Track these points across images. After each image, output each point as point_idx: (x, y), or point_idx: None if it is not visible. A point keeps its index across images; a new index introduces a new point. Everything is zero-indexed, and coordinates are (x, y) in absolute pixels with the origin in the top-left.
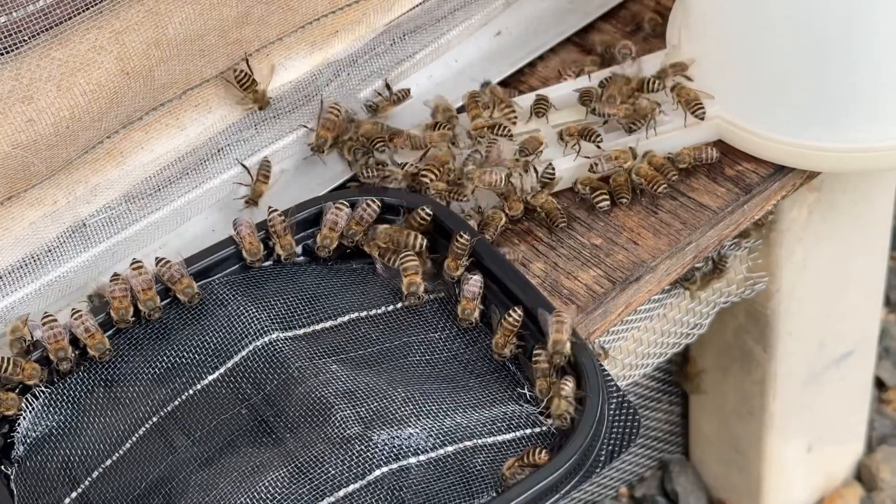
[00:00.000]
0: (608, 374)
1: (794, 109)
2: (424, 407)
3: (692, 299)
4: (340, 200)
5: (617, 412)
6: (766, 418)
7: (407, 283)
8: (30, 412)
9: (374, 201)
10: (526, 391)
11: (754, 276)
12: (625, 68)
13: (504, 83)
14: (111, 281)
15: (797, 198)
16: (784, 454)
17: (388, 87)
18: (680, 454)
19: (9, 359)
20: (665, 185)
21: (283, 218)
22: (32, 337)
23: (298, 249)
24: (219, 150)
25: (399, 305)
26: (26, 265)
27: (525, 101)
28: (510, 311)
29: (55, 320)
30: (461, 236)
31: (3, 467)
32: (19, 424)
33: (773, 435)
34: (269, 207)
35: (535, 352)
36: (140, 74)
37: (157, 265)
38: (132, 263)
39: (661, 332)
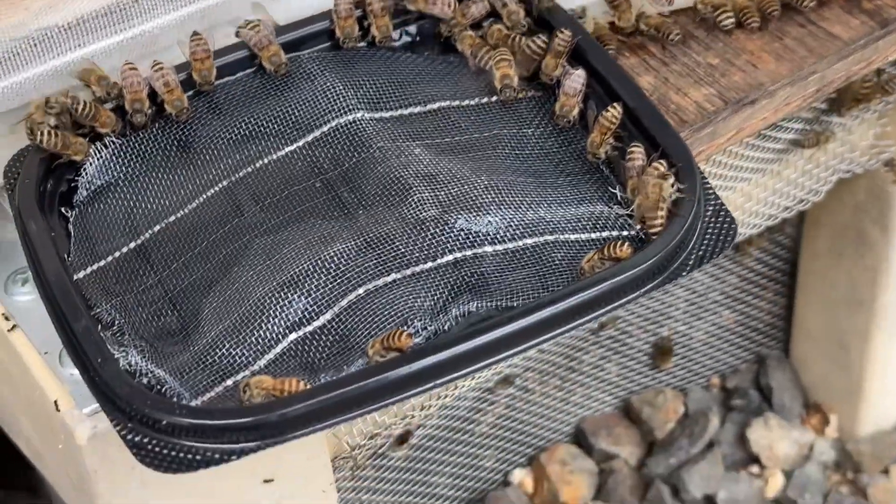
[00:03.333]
0: (706, 179)
1: None
2: (507, 197)
3: (808, 160)
4: None
5: (712, 218)
6: (875, 310)
7: (500, 77)
8: (97, 159)
9: None
10: (618, 192)
11: (881, 144)
12: None
13: None
14: (192, 40)
15: None
16: (891, 353)
17: None
18: (779, 351)
19: (87, 102)
20: (777, 9)
21: None
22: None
23: (395, 34)
24: None
25: (493, 99)
26: (112, 13)
27: None
28: (609, 108)
29: (135, 69)
30: (562, 32)
31: (63, 209)
32: (85, 170)
33: (881, 330)
34: None
35: (630, 148)
36: None
37: (245, 27)
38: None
39: (774, 191)
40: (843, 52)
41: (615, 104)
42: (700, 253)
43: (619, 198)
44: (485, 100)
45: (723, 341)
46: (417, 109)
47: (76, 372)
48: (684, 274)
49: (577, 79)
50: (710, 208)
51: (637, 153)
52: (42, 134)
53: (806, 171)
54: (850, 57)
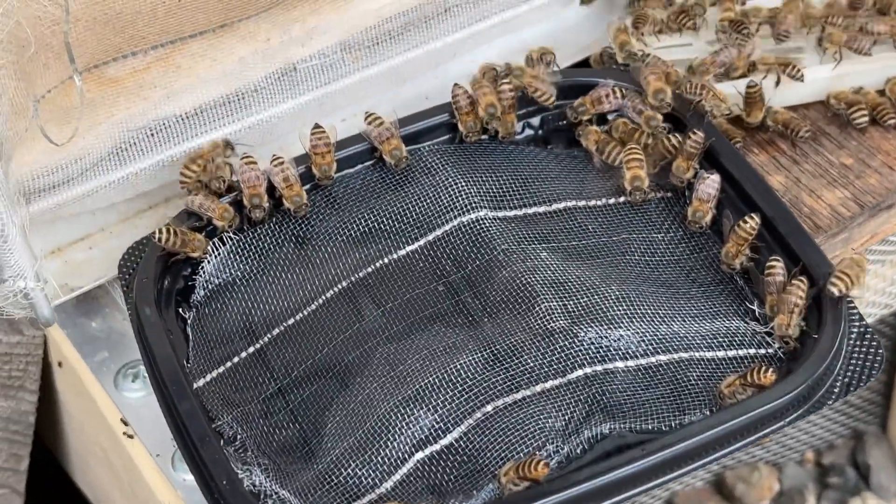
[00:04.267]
0: (851, 301)
1: None
2: (639, 309)
3: None
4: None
5: (857, 342)
6: None
7: (630, 178)
8: (215, 257)
9: (618, 90)
10: (755, 307)
11: None
12: None
13: None
14: (313, 134)
15: None
16: None
17: None
18: (876, 426)
19: (175, 229)
20: None
21: (513, 93)
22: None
23: (518, 127)
24: (446, 10)
25: (621, 199)
26: (230, 102)
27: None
28: (747, 218)
29: (254, 162)
30: (695, 133)
31: (181, 310)
32: (202, 268)
33: None
34: (501, 80)
35: (769, 262)
36: None
37: (366, 121)
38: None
39: (892, 281)
40: None
41: (753, 215)
42: (846, 380)
43: (756, 314)
44: (612, 200)
45: (819, 415)
46: (542, 209)
47: (189, 477)
48: (830, 403)
49: (711, 184)
50: (855, 330)
51: (777, 268)
52: (161, 232)
53: None
54: None
